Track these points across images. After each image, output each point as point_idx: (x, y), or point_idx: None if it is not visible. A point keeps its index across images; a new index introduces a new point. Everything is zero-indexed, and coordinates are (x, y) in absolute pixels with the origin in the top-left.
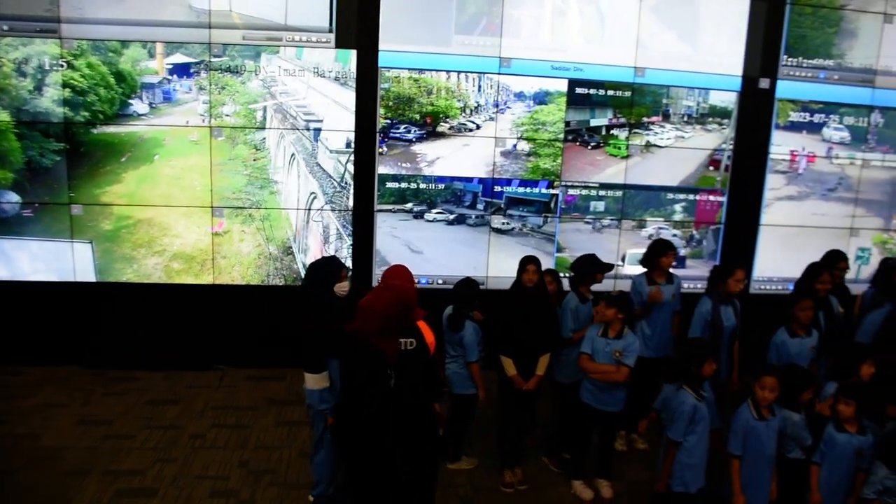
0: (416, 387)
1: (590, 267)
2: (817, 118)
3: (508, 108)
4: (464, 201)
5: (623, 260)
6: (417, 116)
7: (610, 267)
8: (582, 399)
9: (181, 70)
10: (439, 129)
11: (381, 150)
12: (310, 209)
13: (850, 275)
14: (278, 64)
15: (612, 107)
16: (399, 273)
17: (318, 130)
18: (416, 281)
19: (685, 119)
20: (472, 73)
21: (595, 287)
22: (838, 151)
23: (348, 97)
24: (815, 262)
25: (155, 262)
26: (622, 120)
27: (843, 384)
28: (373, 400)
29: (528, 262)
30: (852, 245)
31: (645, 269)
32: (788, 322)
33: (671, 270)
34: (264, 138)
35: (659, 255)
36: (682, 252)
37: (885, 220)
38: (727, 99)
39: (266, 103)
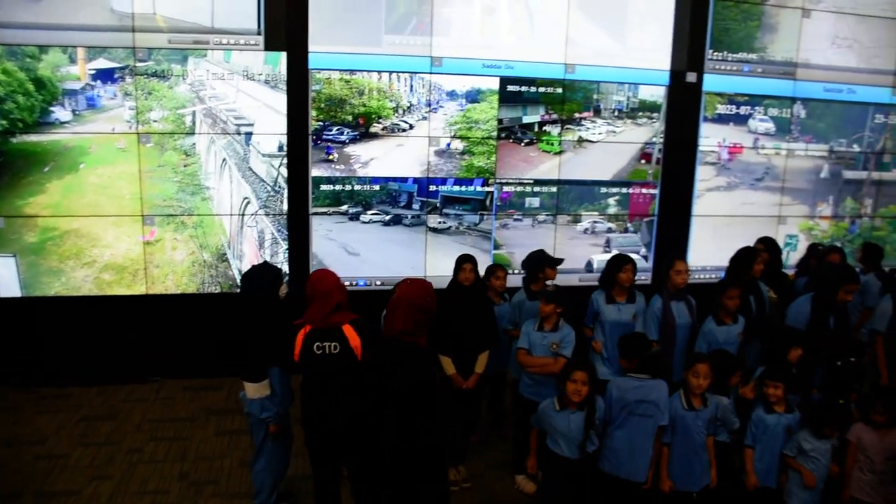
0: (337, 394)
1: (537, 263)
2: (743, 110)
3: (441, 107)
4: (399, 201)
5: (591, 267)
6: (350, 118)
7: (558, 261)
8: (521, 393)
9: (105, 75)
10: (372, 129)
11: (331, 156)
12: (243, 214)
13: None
14: (206, 67)
15: (543, 103)
16: (323, 277)
17: (249, 134)
18: (343, 283)
19: (616, 114)
20: (403, 72)
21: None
22: (764, 142)
23: (279, 100)
24: (747, 248)
25: (84, 274)
26: (554, 116)
27: (770, 367)
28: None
29: (464, 261)
30: (780, 232)
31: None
32: (715, 310)
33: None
34: (194, 144)
35: (615, 270)
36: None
37: (811, 207)
38: (656, 93)
39: (195, 108)
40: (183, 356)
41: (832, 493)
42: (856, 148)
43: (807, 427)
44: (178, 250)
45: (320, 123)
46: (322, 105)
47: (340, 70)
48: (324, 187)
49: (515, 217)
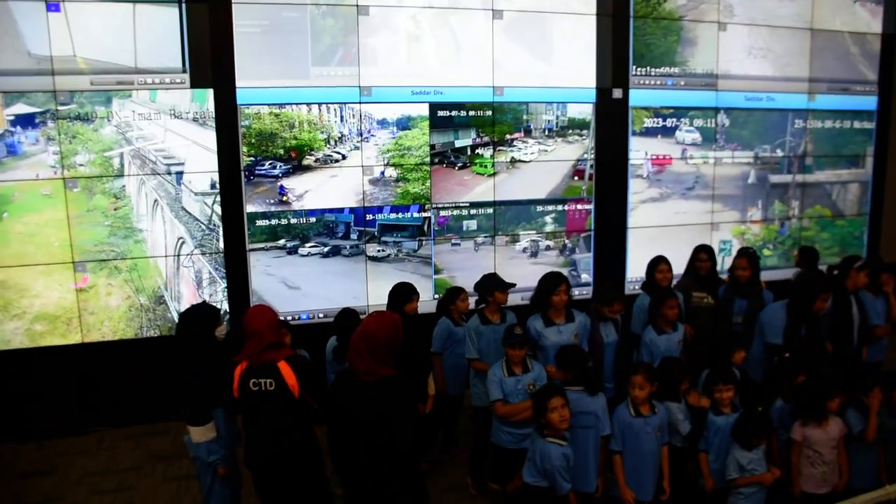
0: (277, 432)
1: (485, 287)
2: (670, 122)
3: (373, 135)
4: (337, 232)
5: None
6: (282, 151)
7: (508, 285)
8: (501, 445)
9: (25, 121)
10: (305, 162)
11: (285, 197)
12: (179, 255)
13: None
14: (132, 108)
15: (474, 126)
16: (255, 314)
17: (180, 174)
18: (277, 319)
19: (546, 133)
20: (333, 103)
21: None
22: (692, 152)
23: (209, 137)
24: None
25: (14, 326)
26: (486, 139)
27: (717, 371)
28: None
29: (413, 292)
30: (714, 239)
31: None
32: (654, 320)
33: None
34: (124, 186)
35: (548, 293)
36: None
37: (741, 212)
38: (584, 111)
39: (122, 149)
40: (124, 403)
41: (778, 492)
42: (779, 153)
43: (735, 441)
44: (112, 296)
45: (252, 158)
46: (253, 140)
47: (269, 104)
48: (260, 222)
49: (454, 242)
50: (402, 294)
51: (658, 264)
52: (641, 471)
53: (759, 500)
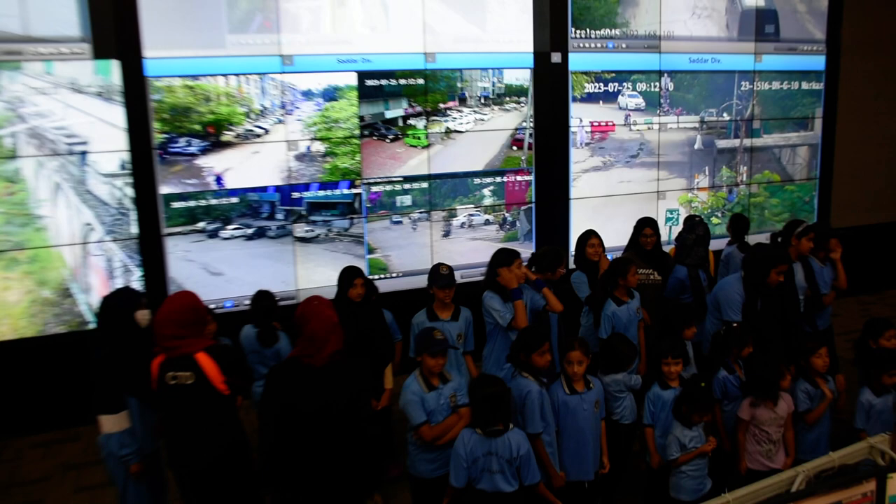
0: (202, 438)
1: (429, 283)
2: (611, 87)
3: (297, 108)
4: (261, 213)
5: None
6: (198, 127)
7: (447, 281)
8: (419, 475)
9: None
10: (224, 138)
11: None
12: (87, 243)
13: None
14: (24, 82)
15: (405, 96)
16: (173, 300)
17: (84, 154)
18: (200, 306)
19: (482, 101)
20: (252, 74)
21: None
22: (635, 118)
23: (115, 113)
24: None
25: None
26: (418, 109)
27: (668, 344)
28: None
29: (355, 276)
30: (661, 207)
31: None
32: (613, 290)
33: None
34: (18, 168)
35: (498, 265)
36: (498, 236)
37: (688, 179)
38: (522, 76)
39: (15, 128)
40: (29, 409)
41: (721, 468)
42: (726, 116)
43: (677, 422)
44: (11, 290)
45: (165, 136)
46: (165, 115)
47: (182, 76)
48: (176, 205)
49: (395, 219)
50: (343, 279)
51: (588, 238)
52: (581, 450)
53: (701, 477)
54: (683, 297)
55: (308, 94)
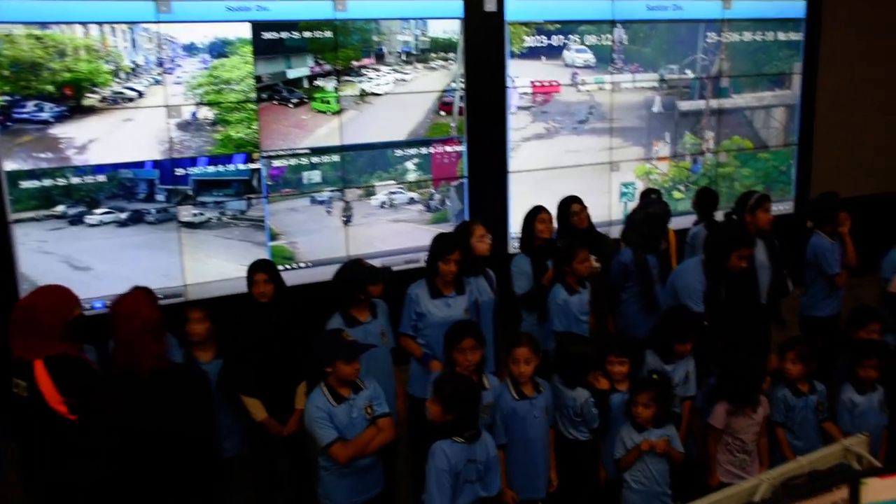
0: (32, 459)
1: (354, 283)
2: (556, 40)
3: (178, 66)
4: (137, 193)
5: None
6: (51, 88)
7: (382, 275)
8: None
9: None
10: (86, 102)
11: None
12: None
13: (618, 214)
14: None
15: (311, 52)
16: (36, 293)
17: None
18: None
19: (403, 58)
20: (119, 23)
21: None
22: (584, 77)
23: None
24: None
25: None
26: (326, 67)
27: (612, 340)
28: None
29: (254, 271)
30: (614, 180)
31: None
32: (562, 277)
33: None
34: None
35: (437, 258)
36: (425, 217)
37: (645, 148)
38: (450, 28)
39: None
40: None
41: (688, 480)
42: (689, 74)
43: (626, 422)
44: None
45: (8, 98)
46: (6, 73)
47: (26, 23)
48: (26, 184)
49: (317, 199)
50: (247, 275)
51: (538, 214)
52: (531, 463)
53: (653, 495)
54: (628, 284)
55: (191, 49)
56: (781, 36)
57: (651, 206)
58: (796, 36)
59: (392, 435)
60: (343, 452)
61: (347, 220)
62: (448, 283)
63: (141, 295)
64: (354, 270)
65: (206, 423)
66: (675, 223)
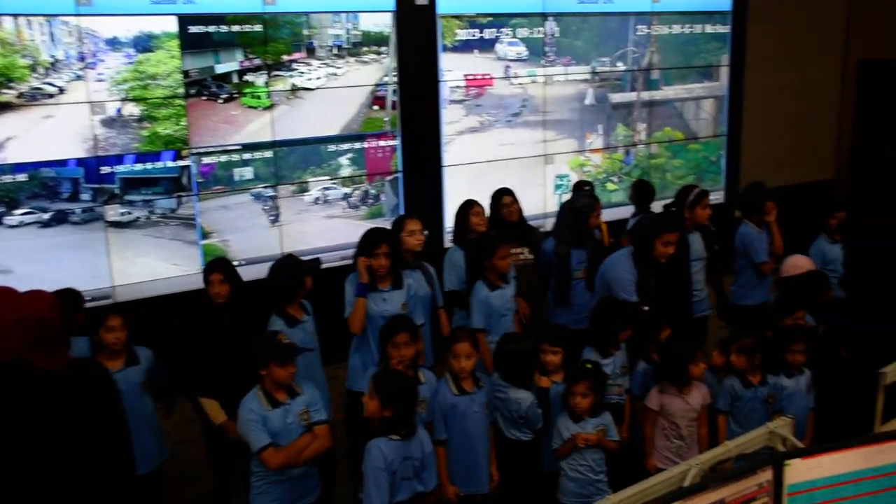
0: None
1: (291, 278)
2: (488, 34)
3: (101, 60)
4: (61, 193)
5: None
6: None
7: (309, 267)
8: None
9: None
10: (2, 98)
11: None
12: None
13: (552, 207)
14: None
15: (240, 46)
16: None
17: None
18: None
19: (335, 52)
20: (35, 15)
21: None
22: (517, 70)
23: None
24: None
25: None
26: (256, 62)
27: (546, 331)
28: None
29: (210, 271)
30: (549, 173)
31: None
32: (483, 273)
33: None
34: None
35: (360, 252)
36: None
37: (579, 140)
38: (382, 22)
39: None
40: None
41: (625, 464)
42: (620, 66)
43: (565, 414)
44: None
45: None
46: None
47: None
48: None
49: (263, 196)
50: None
51: (470, 208)
52: (472, 458)
53: (590, 482)
54: (551, 275)
55: (114, 44)
56: (709, 29)
57: (577, 200)
58: (723, 29)
59: (328, 442)
60: (275, 459)
61: (275, 219)
62: (383, 277)
63: (42, 295)
64: (289, 266)
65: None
66: (610, 214)
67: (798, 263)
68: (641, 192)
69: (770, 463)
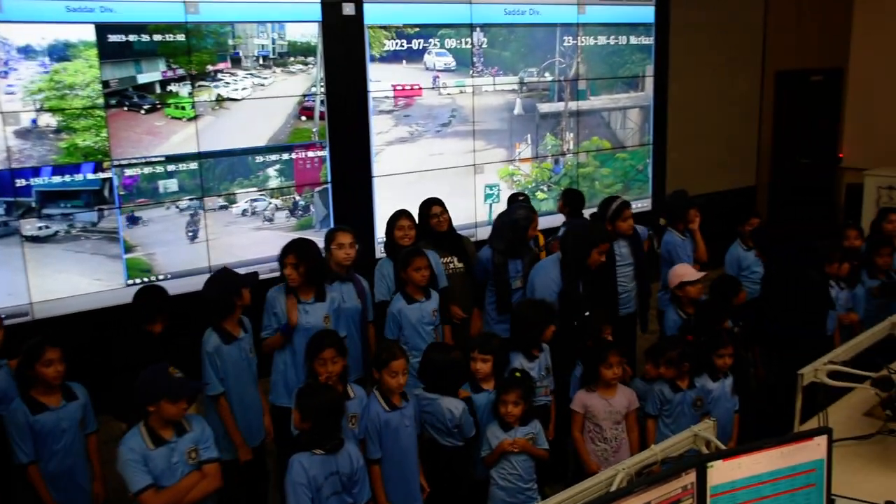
0: None
1: (227, 291)
2: (416, 44)
3: (13, 69)
4: None
5: None
6: None
7: (247, 280)
8: None
9: None
10: None
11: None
12: None
13: (483, 216)
14: None
15: (163, 56)
16: None
17: None
18: None
19: (261, 62)
20: None
21: None
22: (445, 80)
23: None
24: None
25: None
26: (180, 72)
27: (476, 340)
28: None
29: (141, 296)
30: (479, 182)
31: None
32: (402, 287)
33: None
34: None
35: (281, 266)
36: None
37: (508, 150)
38: (308, 32)
39: None
40: None
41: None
42: (548, 77)
43: (495, 422)
44: None
45: None
46: None
47: None
48: None
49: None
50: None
51: (397, 220)
52: (407, 473)
53: (519, 490)
54: (489, 284)
55: (28, 52)
56: (634, 40)
57: (514, 212)
58: (647, 40)
59: (217, 482)
60: (155, 501)
61: (194, 236)
62: (304, 288)
63: None
64: (225, 279)
65: None
66: (540, 223)
67: (679, 272)
68: (573, 200)
69: (693, 465)
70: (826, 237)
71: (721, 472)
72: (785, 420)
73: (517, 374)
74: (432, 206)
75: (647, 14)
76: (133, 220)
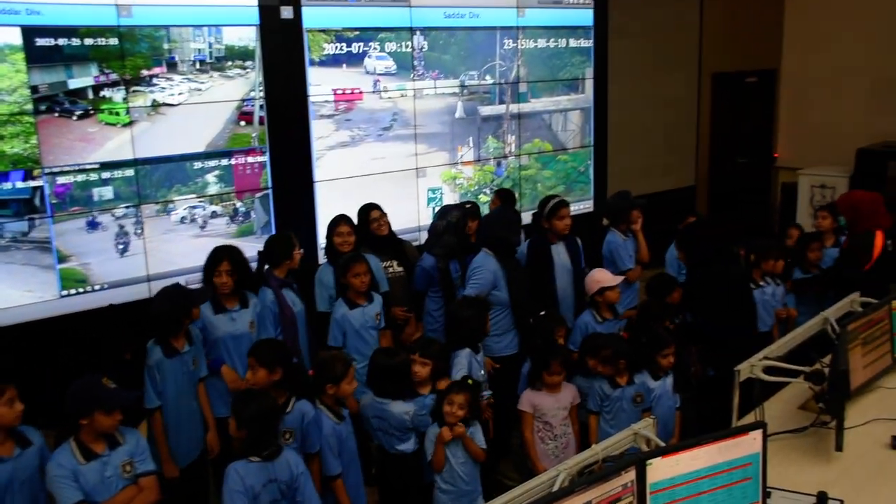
0: None
1: (181, 305)
2: (356, 48)
3: None
4: None
5: None
6: None
7: (197, 297)
8: None
9: None
10: None
11: None
12: None
13: (426, 220)
14: None
15: (95, 60)
16: None
17: None
18: None
19: (198, 66)
20: None
21: None
22: (385, 83)
23: None
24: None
25: None
26: (113, 77)
27: (416, 343)
28: None
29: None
30: (422, 186)
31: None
32: (344, 292)
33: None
34: None
35: (209, 274)
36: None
37: (450, 153)
38: (246, 36)
39: None
40: None
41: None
42: (489, 80)
43: (434, 424)
44: None
45: None
46: None
47: None
48: None
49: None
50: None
51: (336, 227)
52: (356, 481)
53: (461, 494)
54: (432, 290)
55: None
56: (573, 43)
57: (449, 214)
58: (586, 43)
59: (155, 496)
60: None
61: (125, 248)
62: (229, 296)
63: None
64: (175, 296)
65: None
66: None
67: (597, 278)
68: (505, 196)
69: (633, 463)
70: (761, 235)
71: (660, 470)
72: (725, 416)
73: (469, 382)
74: (371, 211)
75: (585, 17)
76: (66, 230)
